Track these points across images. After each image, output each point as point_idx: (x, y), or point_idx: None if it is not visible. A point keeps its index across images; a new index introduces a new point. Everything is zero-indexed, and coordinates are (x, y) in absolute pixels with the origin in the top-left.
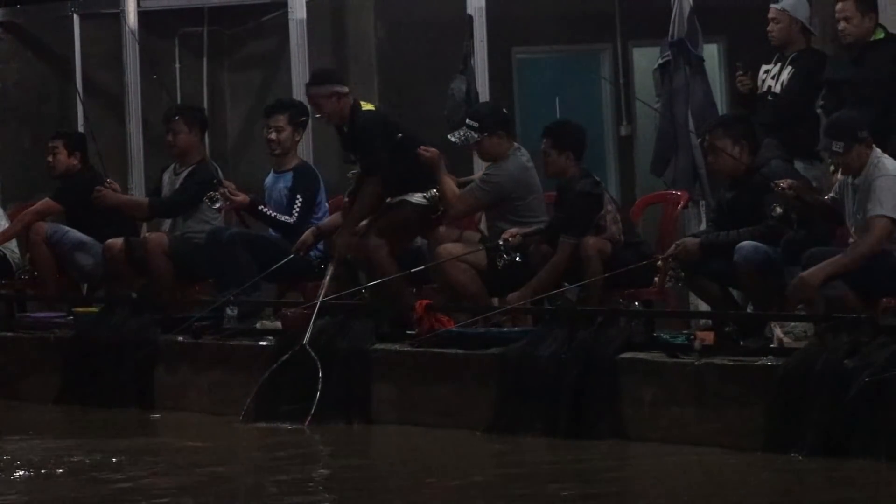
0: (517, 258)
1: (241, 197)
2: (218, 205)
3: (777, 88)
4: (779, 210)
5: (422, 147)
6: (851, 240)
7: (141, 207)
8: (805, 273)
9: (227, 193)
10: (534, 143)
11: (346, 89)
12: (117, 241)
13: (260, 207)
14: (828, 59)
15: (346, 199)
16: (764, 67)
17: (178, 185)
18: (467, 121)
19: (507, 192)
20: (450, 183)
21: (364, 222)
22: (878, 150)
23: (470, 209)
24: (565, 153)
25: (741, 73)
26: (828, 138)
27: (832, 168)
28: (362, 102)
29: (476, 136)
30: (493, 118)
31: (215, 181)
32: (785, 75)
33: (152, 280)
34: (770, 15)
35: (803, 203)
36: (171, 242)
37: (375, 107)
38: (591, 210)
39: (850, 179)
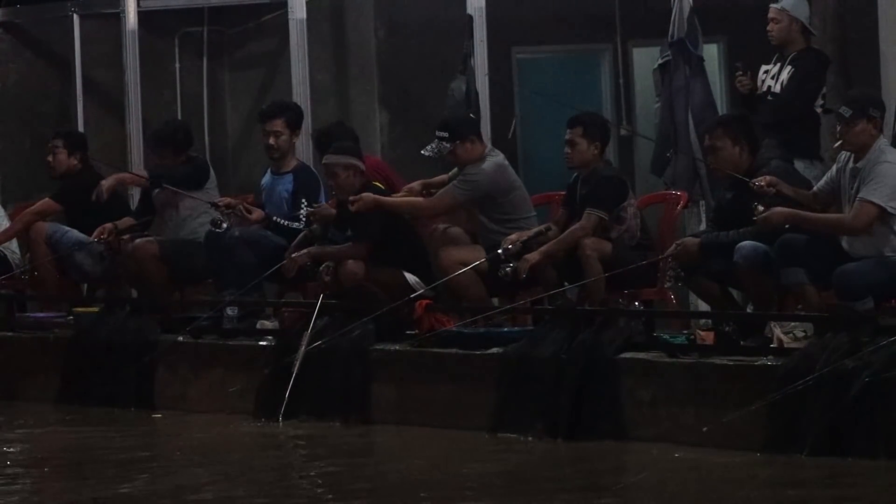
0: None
1: (256, 213)
2: (225, 226)
3: (777, 88)
4: (761, 209)
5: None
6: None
7: (141, 180)
8: (784, 210)
9: (237, 211)
10: (533, 142)
11: (363, 166)
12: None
13: (274, 219)
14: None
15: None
16: (763, 68)
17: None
18: (437, 133)
19: (485, 191)
20: (406, 199)
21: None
22: (885, 139)
23: (447, 208)
24: (594, 143)
25: (741, 73)
26: (841, 104)
27: (837, 137)
28: (375, 183)
29: (448, 145)
30: (463, 125)
31: (218, 213)
32: (785, 75)
33: (146, 285)
34: (770, 15)
35: (785, 199)
36: (162, 247)
37: (383, 187)
38: (618, 193)
39: (850, 162)
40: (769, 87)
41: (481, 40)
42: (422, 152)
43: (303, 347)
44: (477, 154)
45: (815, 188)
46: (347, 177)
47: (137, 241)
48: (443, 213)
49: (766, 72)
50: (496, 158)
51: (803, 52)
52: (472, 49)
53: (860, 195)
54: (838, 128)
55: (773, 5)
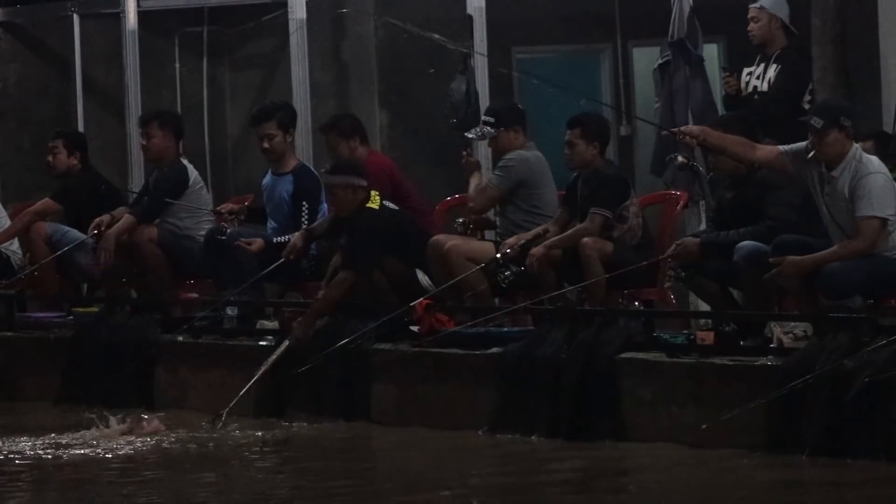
0: (521, 269)
1: (256, 244)
2: (229, 231)
3: (764, 87)
4: (680, 159)
5: (466, 151)
6: (829, 229)
7: (131, 224)
8: (796, 258)
9: (230, 215)
10: (533, 143)
11: (363, 183)
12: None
13: (274, 240)
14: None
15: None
16: (746, 70)
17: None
18: (483, 117)
19: (522, 176)
20: (475, 181)
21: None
22: (858, 146)
23: (491, 200)
24: (593, 144)
25: (727, 73)
26: (812, 114)
27: (809, 147)
28: (373, 194)
29: (492, 130)
30: (509, 113)
31: (223, 227)
32: (771, 73)
33: (147, 270)
34: (750, 14)
35: (709, 147)
36: (161, 233)
37: (379, 204)
38: (621, 192)
39: (823, 168)
40: (755, 87)
41: (481, 40)
42: (465, 135)
43: (275, 355)
44: (518, 145)
45: (769, 146)
46: (346, 195)
47: (139, 226)
48: (490, 206)
49: (750, 73)
50: (535, 151)
51: (787, 49)
52: (472, 49)
53: (859, 213)
54: (810, 139)
55: (752, 5)
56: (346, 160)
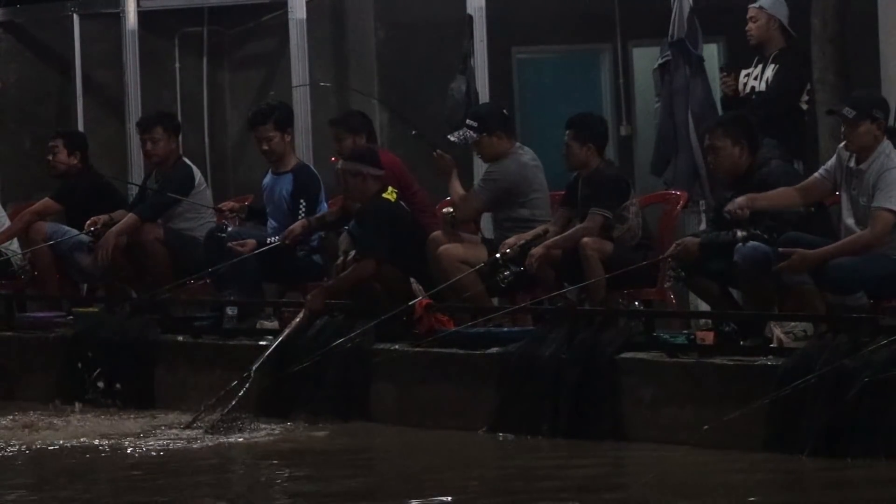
0: (521, 269)
1: (249, 245)
2: (230, 229)
3: (762, 87)
4: (740, 234)
5: (437, 151)
6: (847, 225)
7: (134, 223)
8: (806, 252)
9: (230, 212)
10: (533, 143)
11: (375, 172)
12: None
13: (268, 241)
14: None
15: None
16: (744, 72)
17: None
18: (467, 121)
19: (507, 188)
20: (458, 187)
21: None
22: (889, 143)
23: (475, 210)
24: (587, 145)
25: (725, 73)
26: (844, 104)
27: (842, 137)
28: (390, 189)
29: (475, 135)
30: (492, 118)
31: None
32: (769, 72)
33: (150, 270)
34: (749, 14)
35: (760, 213)
36: (167, 233)
37: (395, 197)
38: (621, 192)
39: (852, 162)
40: (753, 87)
41: (481, 40)
42: (448, 137)
43: (291, 326)
44: (502, 150)
45: (806, 181)
46: (354, 182)
47: (144, 225)
48: (473, 216)
49: (748, 74)
50: (523, 157)
51: (785, 49)
52: (472, 49)
53: (874, 204)
54: (842, 129)
55: (751, 5)
56: (362, 149)
